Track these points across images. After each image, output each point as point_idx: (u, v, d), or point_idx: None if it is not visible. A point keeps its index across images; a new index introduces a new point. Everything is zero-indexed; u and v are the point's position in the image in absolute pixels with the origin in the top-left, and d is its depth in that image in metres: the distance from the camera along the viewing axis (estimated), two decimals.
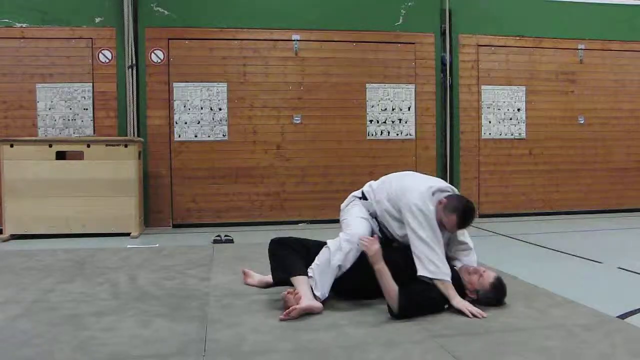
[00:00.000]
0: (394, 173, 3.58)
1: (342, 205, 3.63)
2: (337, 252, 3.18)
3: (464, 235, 3.42)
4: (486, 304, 3.08)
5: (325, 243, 3.38)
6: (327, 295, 3.13)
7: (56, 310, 3.12)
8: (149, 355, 2.46)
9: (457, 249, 3.38)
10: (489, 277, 3.11)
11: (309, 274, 3.15)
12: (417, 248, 3.10)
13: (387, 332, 2.72)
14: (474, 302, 3.07)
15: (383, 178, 3.57)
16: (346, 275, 3.19)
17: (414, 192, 3.22)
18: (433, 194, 3.23)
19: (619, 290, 3.73)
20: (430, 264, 3.06)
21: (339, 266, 3.15)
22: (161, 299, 3.36)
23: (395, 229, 3.35)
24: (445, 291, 3.05)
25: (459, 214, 3.15)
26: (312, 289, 3.09)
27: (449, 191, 3.34)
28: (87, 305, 3.21)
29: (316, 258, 3.19)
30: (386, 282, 2.93)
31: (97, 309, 3.14)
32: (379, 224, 3.46)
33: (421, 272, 3.06)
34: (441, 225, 3.18)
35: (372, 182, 3.62)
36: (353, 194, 3.62)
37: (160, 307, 3.17)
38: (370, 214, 3.48)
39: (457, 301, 3.03)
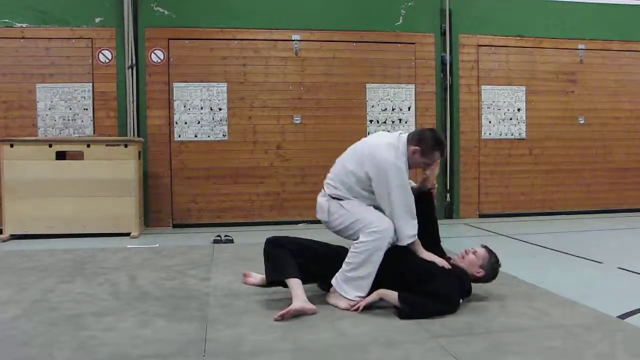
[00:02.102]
0: (343, 155, 3.45)
1: (324, 211, 3.36)
2: (376, 252, 3.11)
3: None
4: (492, 273, 3.23)
5: (325, 243, 3.38)
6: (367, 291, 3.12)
7: (56, 310, 3.12)
8: (149, 355, 2.46)
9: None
10: (479, 248, 3.29)
11: (333, 283, 3.17)
12: (397, 208, 3.14)
13: (387, 332, 2.72)
14: (479, 279, 3.22)
15: (336, 163, 3.43)
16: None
17: (381, 149, 3.20)
18: (396, 157, 3.20)
19: (619, 290, 3.73)
20: (413, 228, 3.18)
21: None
22: (161, 299, 3.36)
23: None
24: (414, 246, 3.22)
25: (438, 147, 3.25)
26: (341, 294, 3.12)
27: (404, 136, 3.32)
28: (87, 305, 3.21)
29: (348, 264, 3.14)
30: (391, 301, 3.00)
31: (97, 309, 3.14)
32: None
33: (405, 241, 3.17)
34: (421, 168, 3.33)
35: (327, 179, 3.43)
36: (323, 199, 3.39)
37: (160, 307, 3.17)
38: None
39: (427, 254, 3.21)
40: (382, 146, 3.22)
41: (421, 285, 3.01)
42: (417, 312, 2.91)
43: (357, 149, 3.35)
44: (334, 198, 3.32)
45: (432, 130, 3.38)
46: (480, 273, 3.22)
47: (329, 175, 3.44)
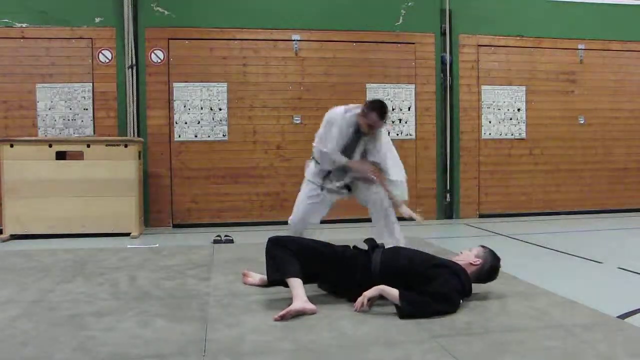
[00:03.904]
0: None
1: None
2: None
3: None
4: (490, 264, 3.25)
5: (327, 243, 3.38)
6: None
7: (56, 310, 3.12)
8: (149, 355, 2.46)
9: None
10: (473, 248, 3.36)
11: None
12: (318, 135, 4.08)
13: (387, 332, 2.72)
14: (479, 273, 3.25)
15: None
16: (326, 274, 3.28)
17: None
18: (346, 111, 4.04)
19: (619, 290, 3.73)
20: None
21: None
22: (161, 299, 3.36)
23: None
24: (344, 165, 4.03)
25: (374, 109, 3.89)
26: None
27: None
28: (87, 305, 3.20)
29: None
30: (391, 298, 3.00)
31: (97, 309, 3.14)
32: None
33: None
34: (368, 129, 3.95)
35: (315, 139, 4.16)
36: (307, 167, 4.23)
37: (160, 307, 3.17)
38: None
39: (353, 163, 4.01)
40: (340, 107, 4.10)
41: (422, 285, 3.01)
42: (418, 311, 2.91)
43: None
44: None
45: (378, 100, 4.06)
46: (478, 261, 3.24)
47: None
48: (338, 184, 4.14)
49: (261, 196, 7.03)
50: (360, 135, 4.04)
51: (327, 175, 4.15)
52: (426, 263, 3.17)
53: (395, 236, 4.18)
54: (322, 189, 4.14)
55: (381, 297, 3.04)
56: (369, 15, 7.23)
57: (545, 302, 3.23)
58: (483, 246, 3.38)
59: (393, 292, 2.97)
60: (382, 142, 4.12)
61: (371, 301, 3.04)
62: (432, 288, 2.98)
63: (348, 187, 4.18)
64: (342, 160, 4.05)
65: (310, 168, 4.23)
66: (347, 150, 4.07)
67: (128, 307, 3.18)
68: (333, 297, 3.30)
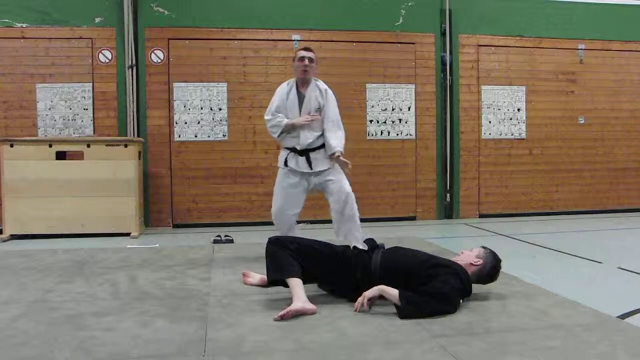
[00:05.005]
0: None
1: None
2: None
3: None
4: (492, 265, 3.25)
5: (327, 243, 3.39)
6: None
7: (56, 310, 3.12)
8: (149, 355, 2.46)
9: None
10: (474, 248, 3.36)
11: None
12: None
13: (387, 332, 2.72)
14: (480, 274, 3.24)
15: None
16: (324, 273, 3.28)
17: None
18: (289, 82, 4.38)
19: (619, 290, 3.73)
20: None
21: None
22: (161, 299, 3.36)
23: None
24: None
25: (302, 47, 4.40)
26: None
27: None
28: (87, 305, 3.20)
29: None
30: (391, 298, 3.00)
31: (97, 309, 3.14)
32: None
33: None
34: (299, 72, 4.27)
35: None
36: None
37: (160, 307, 3.17)
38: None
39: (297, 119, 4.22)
40: None
41: (422, 285, 3.01)
42: (417, 311, 2.91)
43: None
44: None
45: None
46: (479, 262, 3.24)
47: None
48: (300, 160, 4.27)
49: (261, 196, 7.02)
50: (303, 95, 4.26)
51: (288, 155, 4.33)
52: (426, 263, 3.17)
53: (354, 233, 4.20)
54: (291, 172, 4.32)
55: (381, 297, 3.04)
56: (369, 15, 7.23)
57: (545, 302, 3.23)
58: (484, 247, 3.37)
59: (393, 292, 2.97)
60: (330, 105, 4.29)
61: (371, 301, 3.04)
62: (432, 288, 2.98)
63: (309, 162, 4.28)
64: (283, 121, 4.24)
65: (280, 155, 4.44)
66: (292, 112, 4.27)
67: (128, 307, 3.18)
68: (333, 297, 3.31)
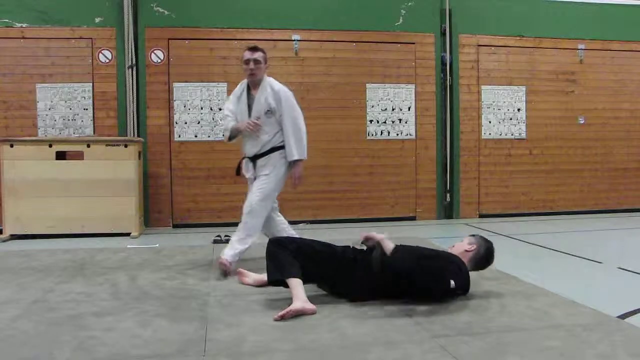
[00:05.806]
0: None
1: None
2: None
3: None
4: (485, 247, 3.32)
5: (327, 243, 3.39)
6: None
7: (56, 310, 3.12)
8: (149, 355, 2.46)
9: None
10: (464, 238, 3.43)
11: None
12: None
13: (387, 332, 2.72)
14: (476, 260, 3.30)
15: None
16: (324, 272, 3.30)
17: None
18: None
19: (619, 290, 3.73)
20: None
21: None
22: (161, 299, 3.36)
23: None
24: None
25: (248, 47, 4.33)
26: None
27: None
28: (87, 305, 3.20)
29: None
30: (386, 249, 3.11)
31: (97, 309, 3.14)
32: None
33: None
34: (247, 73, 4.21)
35: None
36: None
37: (160, 307, 3.17)
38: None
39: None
40: None
41: (423, 282, 3.06)
42: (400, 267, 3.01)
43: None
44: None
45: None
46: (472, 247, 3.32)
47: None
48: (250, 166, 4.29)
49: None
50: (253, 96, 4.19)
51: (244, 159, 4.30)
52: (426, 257, 3.19)
53: (236, 246, 4.11)
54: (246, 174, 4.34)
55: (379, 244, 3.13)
56: (369, 15, 7.23)
57: (545, 302, 3.23)
58: (473, 235, 3.46)
59: (389, 246, 3.10)
60: (284, 105, 4.19)
61: (371, 241, 3.17)
62: (428, 262, 3.10)
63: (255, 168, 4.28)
64: (229, 124, 4.21)
65: None
66: (241, 115, 4.22)
67: (128, 307, 3.18)
68: (333, 297, 3.31)
